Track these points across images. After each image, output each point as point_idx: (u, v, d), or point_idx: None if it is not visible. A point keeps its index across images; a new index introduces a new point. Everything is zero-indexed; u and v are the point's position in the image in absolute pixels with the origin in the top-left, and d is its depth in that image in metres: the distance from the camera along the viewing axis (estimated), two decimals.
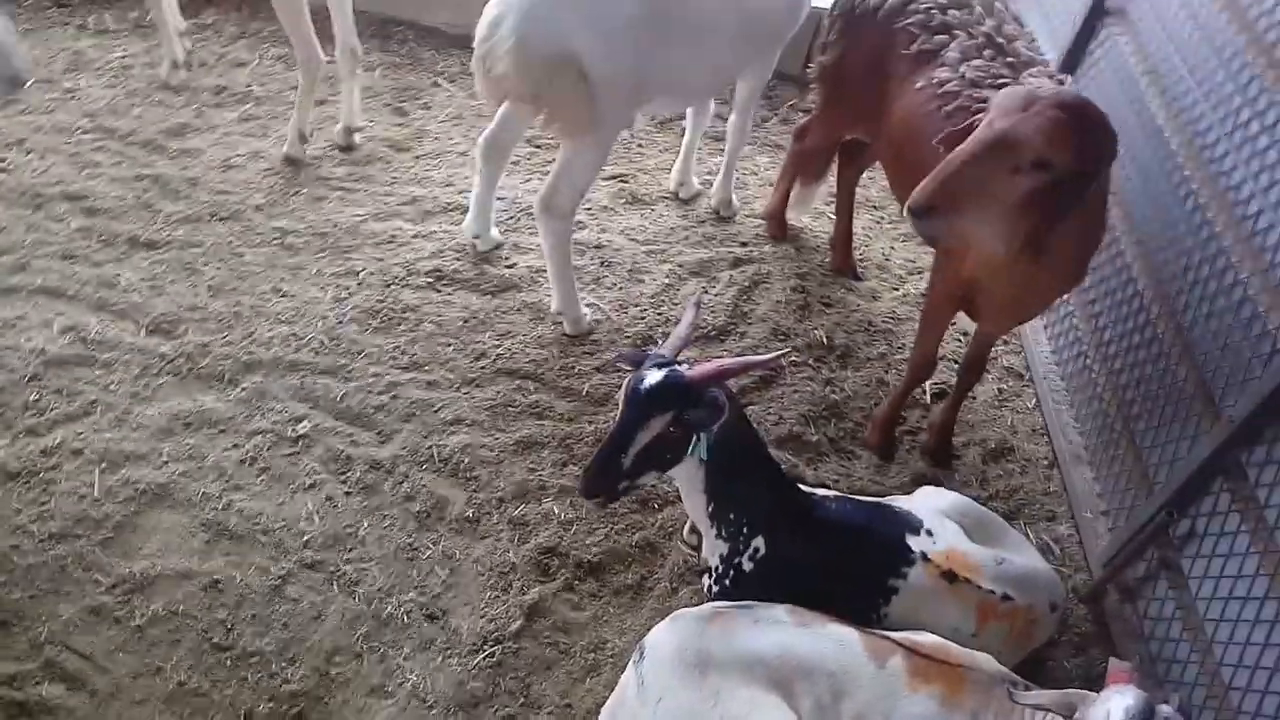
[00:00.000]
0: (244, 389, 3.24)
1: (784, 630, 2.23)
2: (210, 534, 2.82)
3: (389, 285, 3.73)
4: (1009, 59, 2.93)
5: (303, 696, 2.52)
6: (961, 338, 3.91)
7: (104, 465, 2.92)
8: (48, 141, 4.09)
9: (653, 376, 2.27)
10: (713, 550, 2.54)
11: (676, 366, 2.31)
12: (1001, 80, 2.85)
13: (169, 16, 4.49)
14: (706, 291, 4.00)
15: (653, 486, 3.16)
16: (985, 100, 2.83)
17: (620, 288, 3.98)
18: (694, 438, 2.32)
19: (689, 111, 4.29)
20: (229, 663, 2.55)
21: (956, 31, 3.06)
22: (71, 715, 2.40)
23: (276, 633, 2.63)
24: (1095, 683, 2.04)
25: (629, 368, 2.36)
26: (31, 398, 3.07)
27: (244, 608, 2.66)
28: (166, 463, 2.97)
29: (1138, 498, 3.05)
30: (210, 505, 2.88)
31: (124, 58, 4.65)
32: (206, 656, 2.56)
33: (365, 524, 2.92)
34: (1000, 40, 2.99)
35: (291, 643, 2.62)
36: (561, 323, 3.70)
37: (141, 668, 2.51)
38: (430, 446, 3.16)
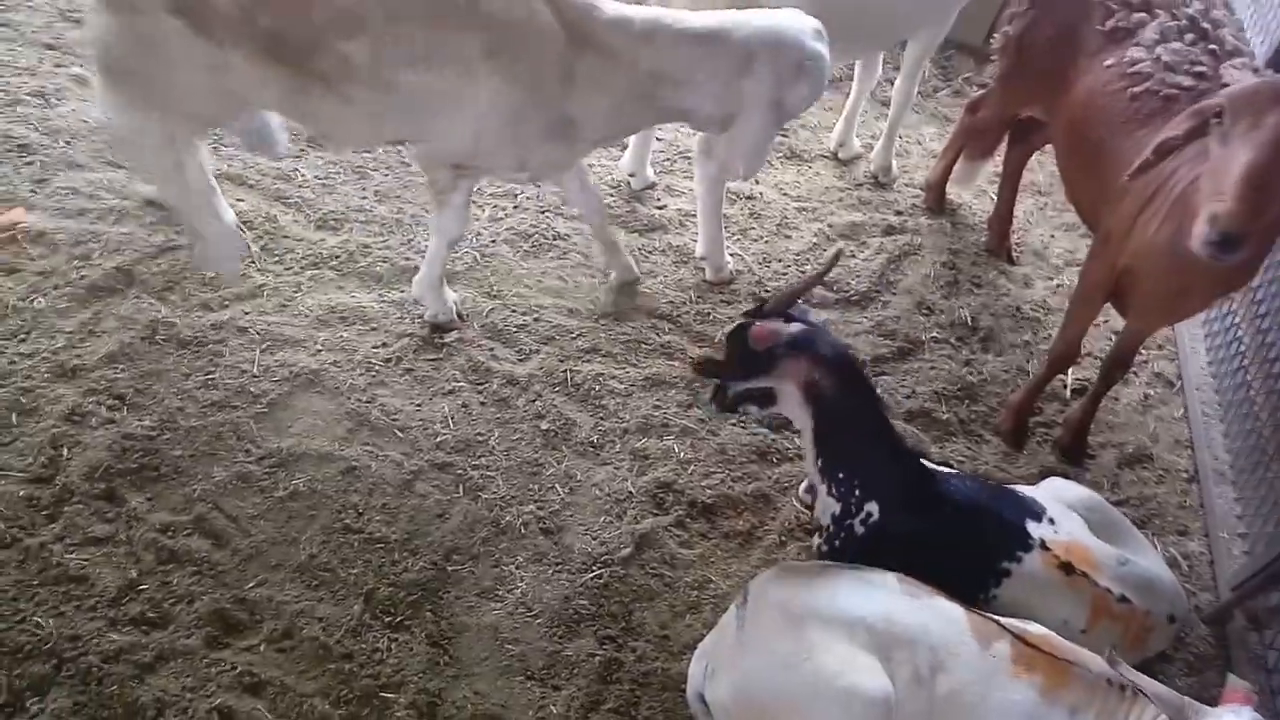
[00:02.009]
0: (398, 292, 3.39)
1: (891, 596, 2.24)
2: (353, 422, 2.98)
3: (543, 212, 3.82)
4: (1211, 45, 2.77)
5: (419, 587, 2.66)
6: (1111, 336, 3.76)
7: (265, 345, 3.12)
8: None
9: (734, 326, 2.53)
10: (825, 509, 2.56)
11: (764, 317, 2.48)
12: (1199, 68, 2.70)
13: None
14: (854, 256, 3.95)
15: (774, 439, 3.19)
16: (1178, 86, 2.71)
17: (766, 241, 3.97)
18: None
19: (856, 70, 4.21)
20: (357, 544, 2.72)
21: (1158, 10, 2.90)
22: (214, 569, 2.60)
23: (403, 524, 2.78)
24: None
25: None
26: (209, 276, 3.28)
27: (376, 496, 2.82)
28: (320, 351, 3.15)
29: None
30: (356, 396, 3.05)
31: None
32: (337, 536, 2.73)
33: (495, 434, 3.04)
34: (1205, 25, 2.82)
35: (415, 535, 2.76)
36: (704, 269, 3.73)
37: (279, 536, 2.70)
38: (564, 370, 3.26)
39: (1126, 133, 2.77)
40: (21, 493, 2.63)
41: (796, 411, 2.52)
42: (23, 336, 2.98)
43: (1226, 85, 2.46)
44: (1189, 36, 2.80)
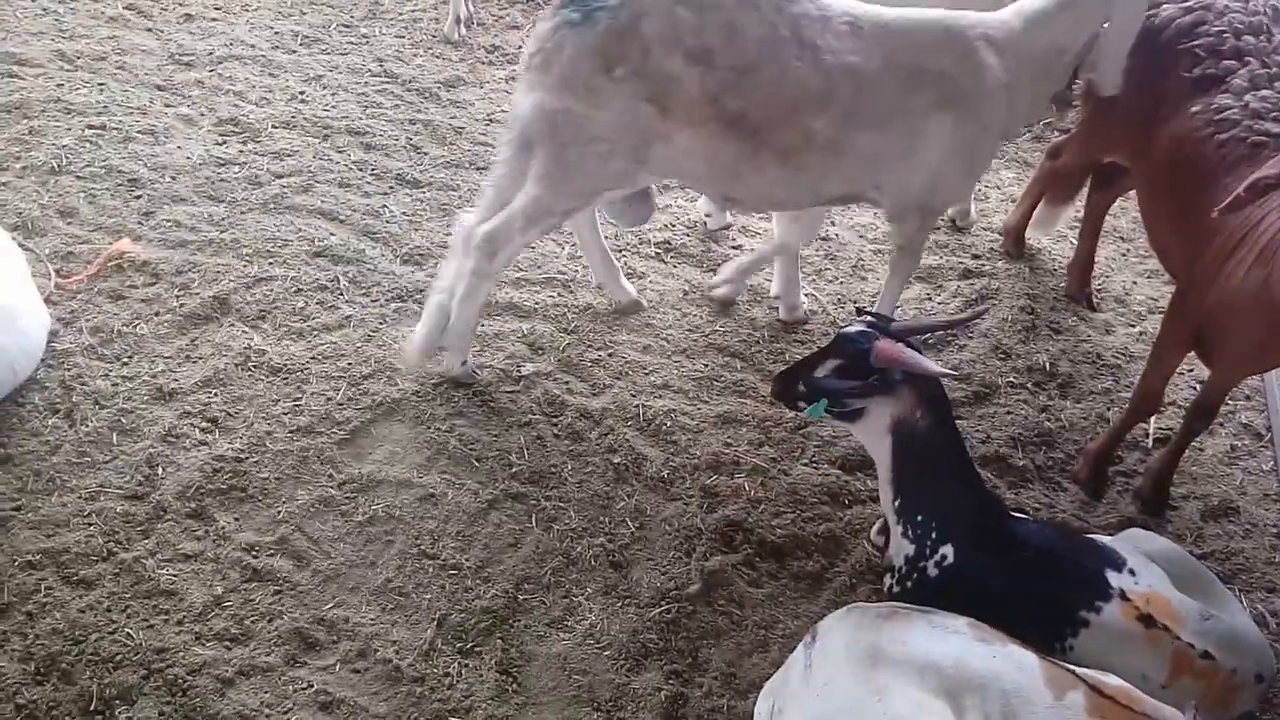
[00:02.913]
0: (481, 326, 3.48)
1: (962, 641, 2.20)
2: (431, 451, 3.06)
3: (620, 251, 3.89)
4: None
5: (491, 614, 2.71)
6: (1196, 384, 3.67)
7: (350, 375, 3.23)
8: (341, 80, 4.52)
9: (857, 326, 2.46)
10: (898, 550, 2.54)
11: (889, 336, 2.42)
12: None
13: None
14: (929, 299, 3.94)
15: (846, 480, 3.18)
16: (1266, 133, 2.67)
17: (841, 282, 3.99)
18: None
19: None
20: (432, 569, 2.78)
21: (1248, 58, 2.87)
22: (295, 589, 2.68)
23: (477, 551, 2.84)
24: None
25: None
26: (299, 305, 3.42)
27: (451, 523, 2.89)
28: (403, 382, 3.24)
29: None
30: (435, 425, 3.13)
31: (414, 10, 5.07)
32: (413, 560, 2.79)
33: (568, 466, 3.09)
34: None
35: (489, 563, 2.82)
36: (779, 308, 3.75)
37: (357, 559, 2.78)
38: (637, 405, 3.30)
39: (1213, 179, 2.73)
40: (119, 509, 2.76)
41: (876, 441, 2.50)
42: (125, 360, 3.14)
43: None
44: (1279, 85, 2.76)
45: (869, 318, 2.52)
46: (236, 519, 2.80)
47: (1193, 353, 3.02)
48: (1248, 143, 2.70)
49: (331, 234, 3.70)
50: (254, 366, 3.19)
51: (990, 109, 2.95)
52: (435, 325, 3.14)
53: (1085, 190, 3.94)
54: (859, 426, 2.53)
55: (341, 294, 3.50)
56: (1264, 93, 2.76)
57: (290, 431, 3.04)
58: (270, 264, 3.52)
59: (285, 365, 3.22)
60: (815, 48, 2.72)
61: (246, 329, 3.30)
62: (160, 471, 2.86)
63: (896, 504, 2.52)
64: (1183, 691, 2.33)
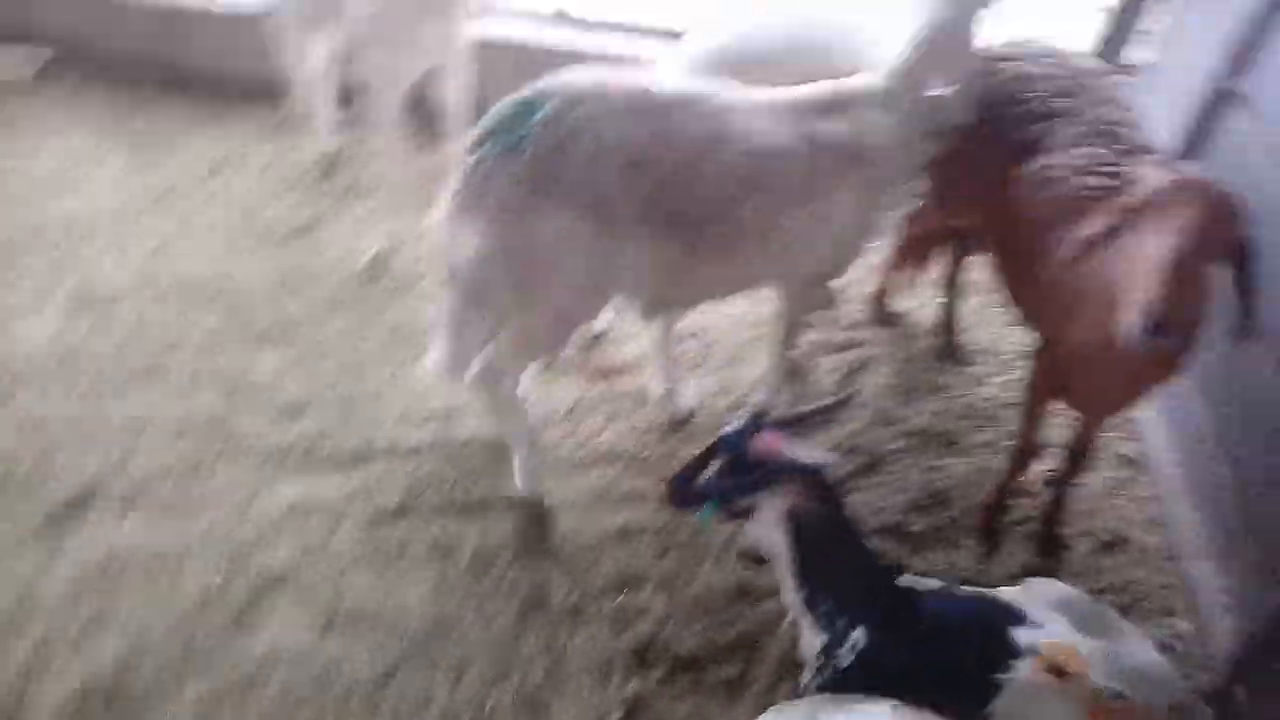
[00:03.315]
0: (361, 475, 3.40)
1: None
2: (325, 617, 2.94)
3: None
4: (1119, 146, 2.90)
5: None
6: (1072, 423, 3.80)
7: (229, 552, 3.09)
8: (195, 237, 4.42)
9: (734, 425, 2.47)
10: (811, 643, 2.53)
11: (769, 429, 2.45)
12: (1110, 168, 2.82)
13: (324, 111, 4.84)
14: (808, 375, 4.01)
15: (752, 576, 3.16)
16: (1093, 187, 2.82)
17: (723, 371, 4.03)
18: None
19: None
20: None
21: (1065, 120, 3.04)
22: None
23: (384, 718, 2.72)
24: None
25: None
26: (170, 485, 3.28)
27: (354, 694, 2.76)
28: (286, 549, 3.12)
29: (1268, 596, 2.89)
30: (325, 588, 3.01)
31: (266, 156, 5.00)
32: None
33: (471, 610, 3.00)
34: (1109, 128, 2.96)
35: None
36: (663, 408, 3.76)
37: None
38: (535, 532, 3.25)
39: (1051, 236, 2.87)
40: None
41: (773, 535, 2.50)
42: None
43: (1136, 182, 2.58)
44: (1096, 140, 2.93)
45: (748, 415, 2.54)
46: None
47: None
48: (1077, 198, 2.84)
49: (194, 403, 3.57)
50: (126, 559, 3.03)
51: (886, 169, 3.09)
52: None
53: (941, 252, 4.09)
54: (753, 525, 2.53)
55: (212, 466, 3.37)
56: (1083, 149, 2.92)
57: (172, 623, 2.88)
58: (135, 444, 3.38)
59: (160, 552, 3.06)
60: (738, 136, 2.79)
61: (114, 519, 3.15)
62: (32, 691, 2.67)
63: (803, 596, 2.51)
64: None
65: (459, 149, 4.26)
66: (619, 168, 2.66)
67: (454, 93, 4.30)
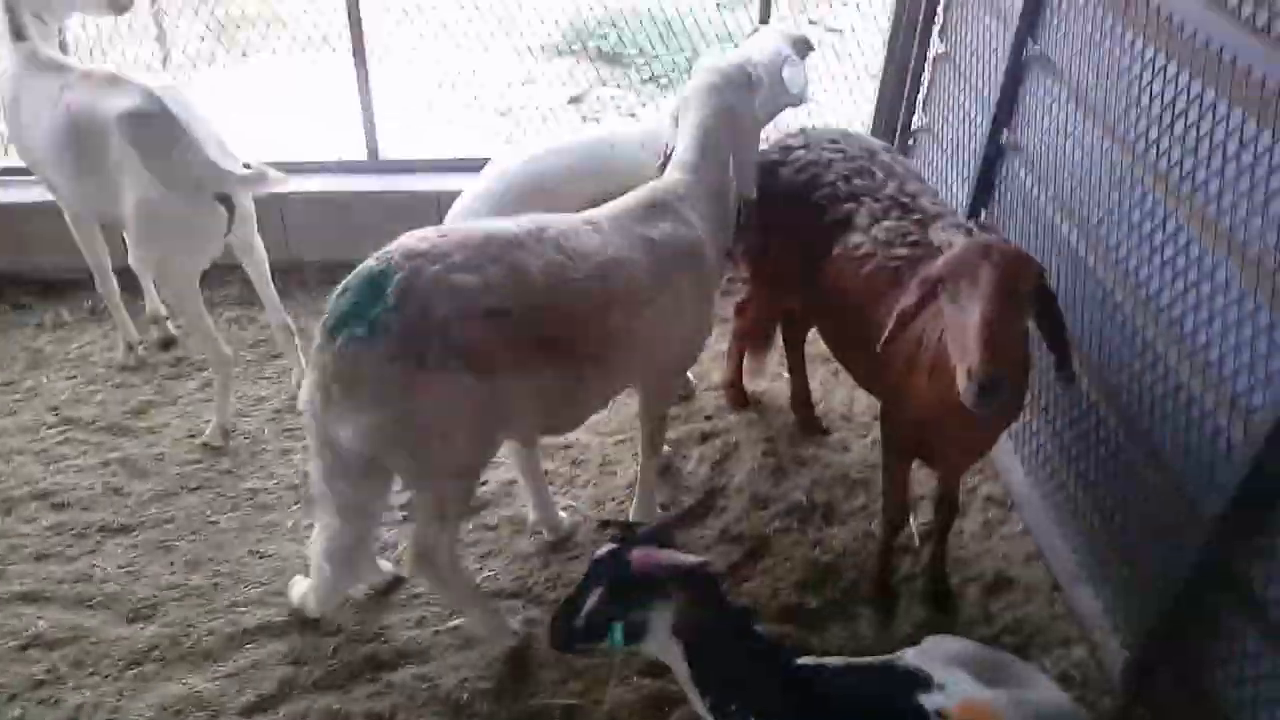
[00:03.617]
0: (233, 662, 3.18)
1: None
2: None
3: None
4: (916, 215, 3.10)
5: None
6: (935, 477, 3.93)
7: None
8: (13, 443, 4.13)
9: (606, 548, 2.39)
10: None
11: (637, 546, 2.37)
12: (911, 237, 3.00)
13: (149, 301, 4.69)
14: (680, 472, 4.03)
15: (660, 685, 3.09)
16: (899, 258, 2.99)
17: (595, 484, 4.00)
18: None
19: None
20: None
21: (863, 198, 3.23)
22: None
23: None
24: None
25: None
26: (14, 714, 2.99)
27: None
28: None
29: (1144, 610, 3.02)
30: None
31: (81, 347, 4.75)
32: None
33: None
34: (904, 199, 3.16)
35: None
36: (541, 531, 3.70)
37: None
38: (427, 688, 3.09)
39: (870, 309, 3.01)
40: None
41: (667, 649, 2.42)
42: None
43: (938, 247, 2.73)
44: (895, 213, 3.12)
45: (614, 535, 2.49)
46: None
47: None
48: (888, 269, 3.00)
49: (39, 618, 3.29)
50: None
51: (708, 256, 3.21)
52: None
53: (780, 331, 4.23)
54: (647, 642, 2.47)
55: (64, 682, 3.09)
56: (886, 224, 3.10)
57: None
58: None
59: None
60: (583, 257, 2.85)
61: None
62: None
63: (707, 702, 2.45)
64: None
65: (279, 320, 4.25)
66: (482, 316, 2.66)
67: (253, 266, 4.23)
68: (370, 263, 2.71)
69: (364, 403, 2.62)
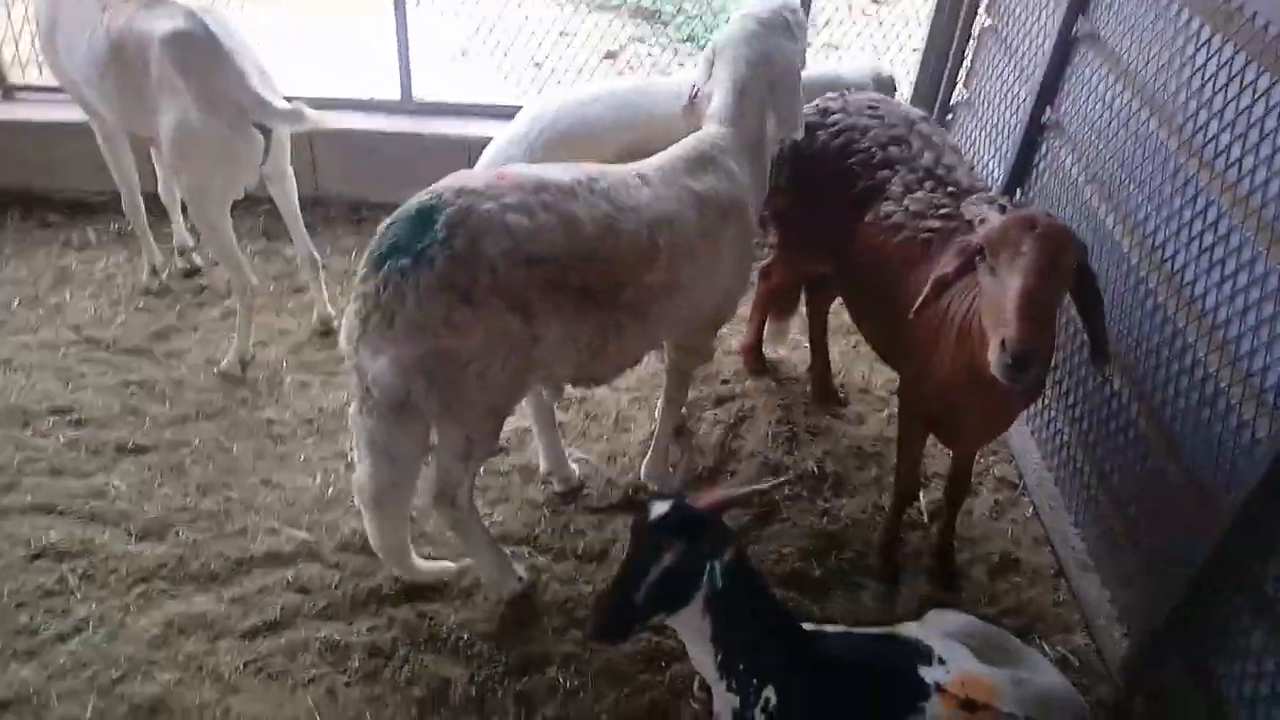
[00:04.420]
0: (239, 586, 3.21)
1: None
2: None
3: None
4: (949, 188, 3.04)
5: None
6: (949, 454, 3.90)
7: (98, 684, 2.86)
8: (35, 358, 4.15)
9: (660, 507, 2.30)
10: (724, 705, 2.48)
11: (681, 497, 2.34)
12: (944, 210, 2.95)
13: (176, 232, 4.74)
14: (694, 434, 4.02)
15: (658, 640, 3.11)
16: (930, 230, 2.94)
17: (607, 439, 4.00)
18: (707, 567, 2.29)
19: None
20: None
21: (898, 166, 3.18)
22: None
23: None
24: None
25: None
26: (23, 620, 3.03)
27: None
28: (162, 674, 2.91)
29: (1150, 601, 3.00)
30: (208, 714, 2.81)
31: (106, 269, 4.78)
32: None
33: (368, 715, 2.84)
34: (940, 171, 3.11)
35: None
36: (551, 482, 3.70)
37: None
38: (428, 625, 3.12)
39: (897, 279, 2.97)
40: None
41: (696, 609, 2.37)
42: None
43: (970, 221, 2.69)
44: (929, 184, 3.07)
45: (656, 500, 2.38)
46: None
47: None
48: (918, 241, 2.96)
49: (50, 529, 3.33)
50: None
51: (749, 209, 3.19)
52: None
53: (804, 299, 4.20)
54: (690, 614, 2.35)
55: (73, 594, 3.13)
56: (918, 194, 3.05)
57: None
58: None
59: (17, 695, 2.81)
60: (632, 209, 2.82)
61: None
62: None
63: (719, 660, 2.45)
64: None
65: (305, 252, 4.24)
66: (531, 260, 2.63)
67: (282, 196, 4.22)
68: (421, 196, 2.67)
69: (402, 335, 2.59)
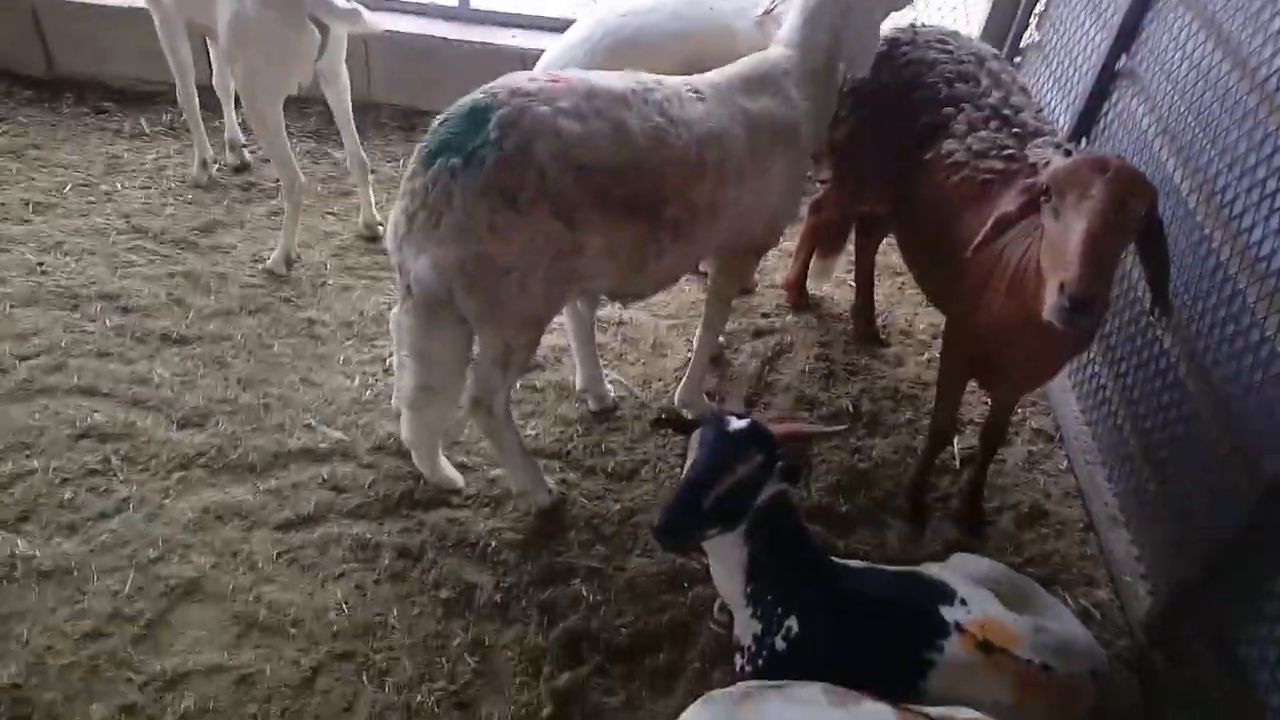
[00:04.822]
0: (275, 479, 3.27)
1: (818, 709, 2.17)
2: (241, 627, 2.82)
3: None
4: (1015, 129, 2.96)
5: None
6: (986, 402, 3.87)
7: (136, 561, 2.95)
8: (85, 243, 4.21)
9: (739, 422, 2.31)
10: (745, 629, 2.51)
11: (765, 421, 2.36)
12: (1007, 151, 2.87)
13: (228, 126, 4.75)
14: (730, 364, 4.01)
15: (682, 563, 3.14)
16: (991, 170, 2.87)
17: (644, 363, 4.00)
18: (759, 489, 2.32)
19: None
20: None
21: (963, 104, 3.09)
22: None
23: None
24: None
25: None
26: (66, 496, 3.11)
27: (275, 701, 2.65)
28: (198, 557, 2.99)
29: (1179, 560, 2.98)
30: (241, 598, 2.89)
31: (157, 159, 4.80)
32: None
33: (394, 612, 2.91)
34: (1006, 111, 3.01)
35: None
36: (586, 400, 3.72)
37: None
38: (458, 531, 3.17)
39: (954, 218, 2.91)
40: None
41: (733, 539, 2.40)
42: None
43: (1034, 164, 2.61)
44: (994, 124, 2.99)
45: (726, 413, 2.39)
46: None
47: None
48: (978, 181, 2.88)
49: (95, 411, 3.40)
50: (22, 576, 2.86)
51: (804, 137, 3.13)
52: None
53: (853, 237, 4.14)
54: (728, 541, 2.39)
55: (115, 474, 3.21)
56: (982, 133, 2.97)
57: (75, 640, 2.72)
58: (27, 457, 3.21)
59: (59, 567, 2.90)
60: (684, 124, 2.78)
61: (7, 534, 2.96)
62: None
63: (749, 590, 2.48)
64: (1031, 706, 2.40)
65: (355, 155, 4.23)
66: (581, 166, 2.61)
67: (336, 97, 4.20)
68: (475, 95, 2.64)
69: (447, 236, 2.58)
